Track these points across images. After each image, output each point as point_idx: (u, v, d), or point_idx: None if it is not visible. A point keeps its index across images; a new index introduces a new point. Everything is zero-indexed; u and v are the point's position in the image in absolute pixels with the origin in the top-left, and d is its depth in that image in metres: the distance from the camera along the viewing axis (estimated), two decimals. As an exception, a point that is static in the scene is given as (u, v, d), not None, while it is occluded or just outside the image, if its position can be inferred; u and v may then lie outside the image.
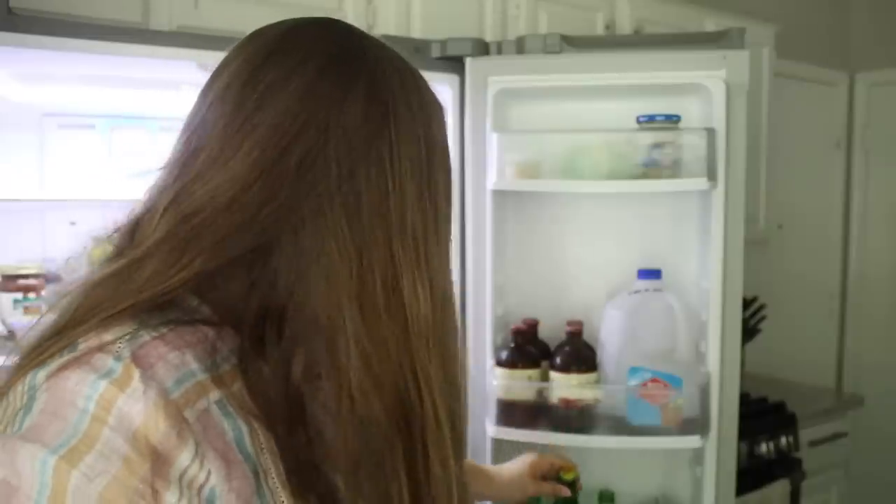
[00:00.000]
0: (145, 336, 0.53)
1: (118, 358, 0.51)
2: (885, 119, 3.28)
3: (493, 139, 1.71)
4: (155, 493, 0.49)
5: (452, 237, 0.68)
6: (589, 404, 1.69)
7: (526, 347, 1.74)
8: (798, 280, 3.15)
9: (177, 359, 0.53)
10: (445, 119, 0.68)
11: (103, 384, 0.49)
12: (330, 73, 0.59)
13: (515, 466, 1.38)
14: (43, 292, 1.63)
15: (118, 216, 0.62)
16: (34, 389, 0.50)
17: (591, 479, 1.82)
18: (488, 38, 1.93)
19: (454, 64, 1.73)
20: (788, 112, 2.79)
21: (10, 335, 1.53)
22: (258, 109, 0.57)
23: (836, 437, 2.54)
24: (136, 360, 0.51)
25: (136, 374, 0.50)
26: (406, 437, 0.58)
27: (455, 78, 1.73)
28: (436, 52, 1.73)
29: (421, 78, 0.67)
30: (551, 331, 1.80)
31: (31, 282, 1.62)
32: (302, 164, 0.56)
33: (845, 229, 3.39)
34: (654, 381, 1.64)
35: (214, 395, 0.54)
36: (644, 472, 1.88)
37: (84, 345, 0.52)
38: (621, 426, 1.66)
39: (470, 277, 1.75)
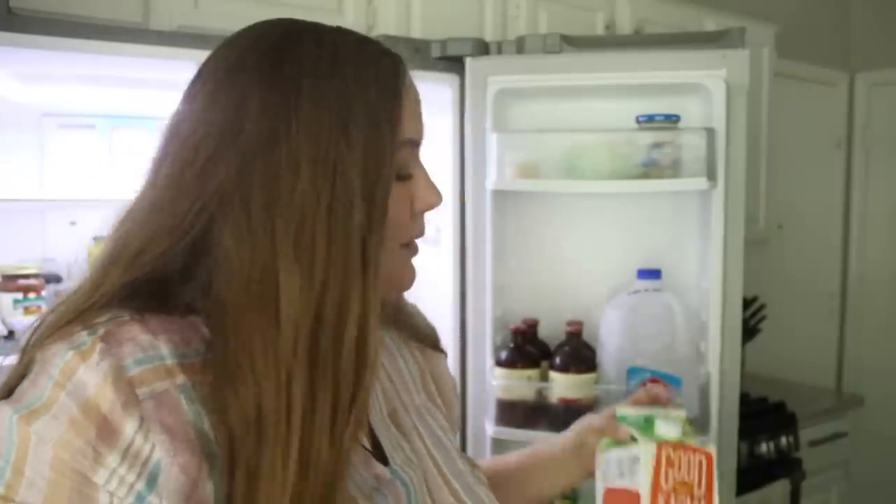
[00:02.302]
0: (126, 318, 0.58)
1: (92, 333, 0.56)
2: (885, 119, 3.28)
3: (492, 139, 1.71)
4: (97, 455, 0.53)
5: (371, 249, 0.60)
6: (588, 404, 1.69)
7: (525, 347, 1.74)
8: (798, 280, 3.15)
9: (147, 342, 0.57)
10: (389, 113, 0.63)
11: (70, 354, 0.55)
12: (232, 79, 0.61)
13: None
14: (43, 292, 1.63)
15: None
16: (32, 362, 0.57)
17: (592, 479, 1.82)
18: (488, 38, 1.93)
19: (454, 64, 1.73)
20: (788, 112, 2.79)
21: (10, 335, 1.53)
22: (175, 127, 0.62)
23: (836, 437, 2.54)
24: (106, 336, 0.56)
25: (98, 347, 0.55)
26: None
27: (455, 78, 1.73)
28: (436, 52, 1.73)
29: (360, 71, 0.63)
30: (551, 331, 1.80)
31: (31, 282, 1.62)
32: (204, 170, 0.59)
33: (845, 229, 3.39)
34: (653, 381, 1.64)
35: (180, 379, 0.57)
36: (644, 472, 1.88)
37: (78, 324, 0.57)
38: (621, 426, 1.66)
39: (470, 277, 1.75)
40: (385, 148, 0.62)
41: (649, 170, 1.68)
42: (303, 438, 0.56)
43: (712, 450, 0.82)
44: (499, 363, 1.74)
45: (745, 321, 2.40)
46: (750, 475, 2.07)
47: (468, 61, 1.72)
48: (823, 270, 3.34)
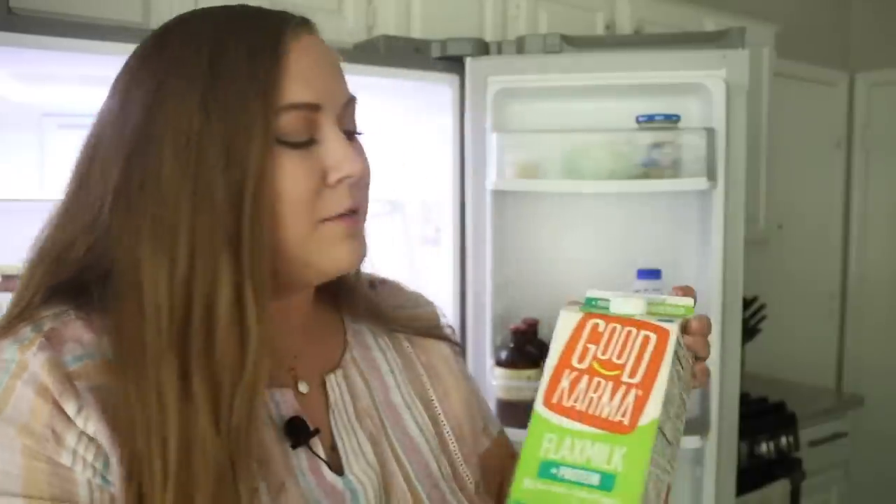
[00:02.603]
0: (72, 315, 0.59)
1: (36, 329, 0.57)
2: (885, 119, 3.28)
3: (492, 139, 1.71)
4: (56, 437, 0.54)
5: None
6: (589, 404, 1.69)
7: (525, 347, 1.74)
8: (798, 280, 3.15)
9: (89, 340, 0.58)
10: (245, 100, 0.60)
11: (15, 347, 0.56)
12: (125, 70, 0.64)
13: None
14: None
15: None
16: None
17: (591, 479, 1.82)
18: (488, 38, 1.93)
19: (454, 64, 1.73)
20: (788, 112, 2.79)
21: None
22: (93, 122, 0.65)
23: (836, 437, 2.55)
24: (50, 332, 0.57)
25: (38, 342, 0.56)
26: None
27: (455, 78, 1.73)
28: (436, 52, 1.73)
29: (234, 39, 0.60)
30: (551, 331, 1.80)
31: (31, 282, 1.61)
32: (104, 162, 0.61)
33: (845, 229, 3.39)
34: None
35: None
36: (644, 472, 1.88)
37: (23, 321, 0.59)
38: (621, 426, 1.66)
39: (470, 277, 1.75)
40: (253, 114, 0.58)
41: (649, 170, 1.68)
42: (181, 429, 0.55)
43: (672, 328, 0.58)
44: (499, 363, 1.74)
45: (745, 321, 2.40)
46: (750, 475, 2.07)
47: (468, 61, 1.72)
48: (823, 270, 3.35)
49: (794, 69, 2.89)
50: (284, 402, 0.66)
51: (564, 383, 0.58)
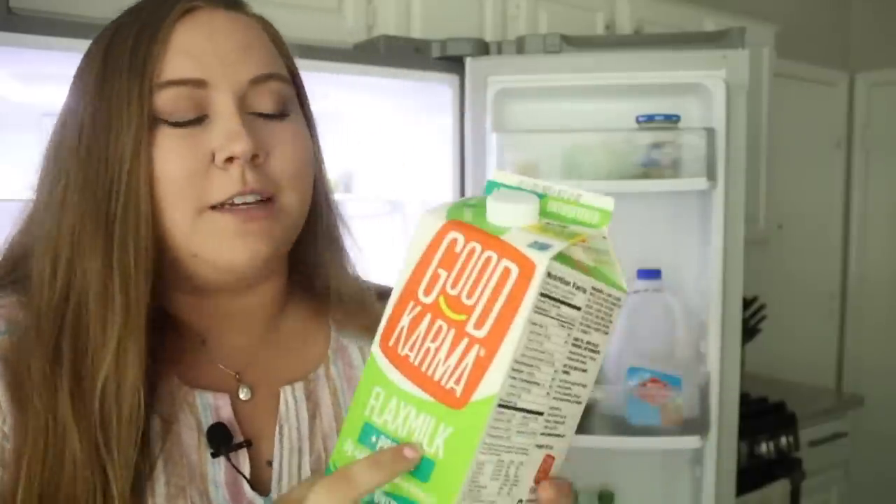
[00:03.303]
0: (14, 298, 0.60)
1: None
2: (885, 119, 3.28)
3: (492, 139, 1.71)
4: None
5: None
6: (588, 404, 1.69)
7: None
8: (798, 280, 3.15)
9: (17, 318, 0.59)
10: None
11: None
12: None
13: None
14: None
15: None
16: None
17: (591, 479, 1.82)
18: (488, 38, 1.93)
19: (454, 64, 1.73)
20: (788, 112, 2.79)
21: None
22: None
23: (836, 437, 2.55)
24: None
25: None
26: None
27: (455, 78, 1.73)
28: (436, 52, 1.73)
29: (127, 22, 0.60)
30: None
31: (31, 282, 1.62)
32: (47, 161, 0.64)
33: (845, 229, 3.39)
34: (653, 381, 1.64)
35: None
36: (644, 473, 1.88)
37: None
38: (621, 426, 1.66)
39: (470, 277, 1.75)
40: (130, 93, 0.56)
41: (649, 170, 1.68)
42: (51, 416, 0.55)
43: (540, 259, 0.40)
44: (499, 363, 1.74)
45: (745, 321, 2.40)
46: (750, 475, 2.07)
47: (468, 61, 1.72)
48: (823, 270, 3.35)
49: (794, 69, 2.89)
50: (218, 407, 0.62)
51: (405, 321, 0.43)
